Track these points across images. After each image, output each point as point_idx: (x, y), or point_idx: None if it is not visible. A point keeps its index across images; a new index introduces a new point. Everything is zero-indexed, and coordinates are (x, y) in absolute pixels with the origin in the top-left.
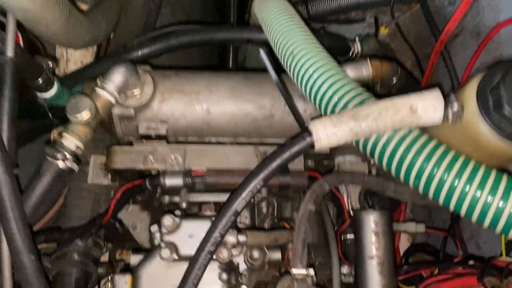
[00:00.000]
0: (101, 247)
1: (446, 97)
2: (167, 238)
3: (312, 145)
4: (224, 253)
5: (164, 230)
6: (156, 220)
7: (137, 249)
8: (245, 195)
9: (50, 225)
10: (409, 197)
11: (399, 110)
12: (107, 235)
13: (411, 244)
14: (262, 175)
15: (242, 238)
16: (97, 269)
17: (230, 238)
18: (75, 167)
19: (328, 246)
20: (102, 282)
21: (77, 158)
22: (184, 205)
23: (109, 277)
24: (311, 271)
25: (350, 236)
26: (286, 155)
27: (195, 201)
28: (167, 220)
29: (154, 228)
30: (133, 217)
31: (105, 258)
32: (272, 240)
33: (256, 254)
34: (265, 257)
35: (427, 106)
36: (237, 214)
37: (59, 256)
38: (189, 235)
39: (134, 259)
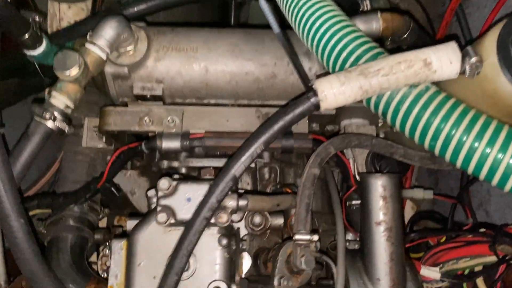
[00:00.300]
0: (98, 213)
1: (463, 49)
2: (164, 201)
3: (317, 106)
4: (223, 218)
5: (160, 193)
6: (154, 185)
7: (134, 214)
8: (244, 159)
9: (46, 190)
10: (418, 161)
11: (412, 64)
12: (104, 200)
13: (416, 211)
14: (262, 139)
15: (243, 202)
16: (93, 235)
17: (230, 203)
18: (66, 127)
19: (332, 213)
20: (101, 248)
21: (67, 118)
22: (183, 170)
23: (107, 243)
24: (315, 237)
25: (355, 202)
26: (289, 117)
27: (194, 166)
28: (164, 183)
29: (151, 192)
30: (131, 182)
31: (103, 224)
32: (275, 205)
33: (257, 219)
34: (267, 223)
35: (442, 59)
36: (235, 179)
37: (53, 222)
38: (187, 198)
39: (131, 224)
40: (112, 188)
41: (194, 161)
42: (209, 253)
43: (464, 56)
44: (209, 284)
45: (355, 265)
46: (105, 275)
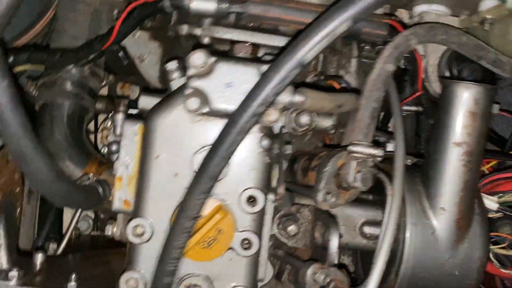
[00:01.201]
0: (100, 79)
1: None
2: (196, 83)
3: None
4: (272, 115)
5: (192, 70)
6: (170, 54)
7: (148, 89)
8: (319, 38)
9: (38, 43)
10: (509, 71)
11: None
12: (108, 65)
13: None
14: (352, 12)
15: (299, 98)
16: (94, 104)
17: (283, 97)
18: None
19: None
20: (101, 118)
21: None
22: (206, 40)
23: (109, 114)
24: (380, 152)
25: (408, 108)
26: None
27: (221, 37)
28: (198, 57)
29: (172, 65)
30: (140, 46)
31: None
32: (336, 106)
33: (304, 118)
34: (312, 124)
35: None
36: (303, 66)
37: (47, 83)
38: (227, 83)
39: (145, 102)
40: (121, 53)
41: (222, 31)
42: (246, 156)
43: None
44: (242, 192)
45: (414, 187)
46: (105, 150)
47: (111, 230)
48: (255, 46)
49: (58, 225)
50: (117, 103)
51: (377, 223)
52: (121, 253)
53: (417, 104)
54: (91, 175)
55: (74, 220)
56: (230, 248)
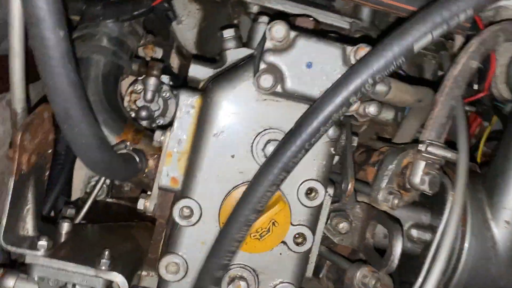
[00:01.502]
0: (139, 38)
1: None
2: (272, 58)
3: None
4: (355, 105)
5: (269, 44)
6: (210, 19)
7: (199, 56)
8: (436, 24)
9: None
10: None
11: None
12: (148, 24)
13: None
14: None
15: (382, 88)
16: (131, 65)
17: None
18: None
19: None
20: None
21: None
22: (254, 9)
23: (141, 77)
24: (454, 155)
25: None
26: None
27: (271, 7)
28: (279, 30)
29: (229, 33)
30: (179, 7)
31: None
32: (416, 101)
33: (373, 108)
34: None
35: None
36: (410, 53)
37: (84, 37)
38: (307, 63)
39: (198, 71)
40: (169, 13)
41: (273, 1)
42: None
43: None
44: (302, 183)
45: (476, 195)
46: (133, 114)
47: (144, 204)
48: (317, 22)
49: (68, 188)
50: (151, 66)
51: (425, 227)
52: (146, 227)
53: (471, 104)
54: (128, 143)
55: (97, 187)
56: (282, 242)
